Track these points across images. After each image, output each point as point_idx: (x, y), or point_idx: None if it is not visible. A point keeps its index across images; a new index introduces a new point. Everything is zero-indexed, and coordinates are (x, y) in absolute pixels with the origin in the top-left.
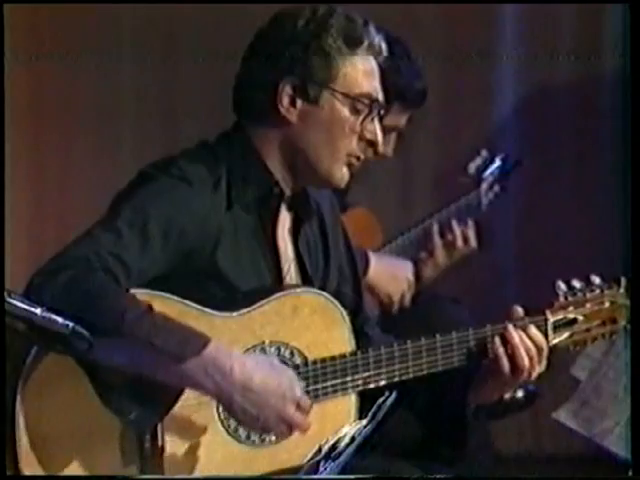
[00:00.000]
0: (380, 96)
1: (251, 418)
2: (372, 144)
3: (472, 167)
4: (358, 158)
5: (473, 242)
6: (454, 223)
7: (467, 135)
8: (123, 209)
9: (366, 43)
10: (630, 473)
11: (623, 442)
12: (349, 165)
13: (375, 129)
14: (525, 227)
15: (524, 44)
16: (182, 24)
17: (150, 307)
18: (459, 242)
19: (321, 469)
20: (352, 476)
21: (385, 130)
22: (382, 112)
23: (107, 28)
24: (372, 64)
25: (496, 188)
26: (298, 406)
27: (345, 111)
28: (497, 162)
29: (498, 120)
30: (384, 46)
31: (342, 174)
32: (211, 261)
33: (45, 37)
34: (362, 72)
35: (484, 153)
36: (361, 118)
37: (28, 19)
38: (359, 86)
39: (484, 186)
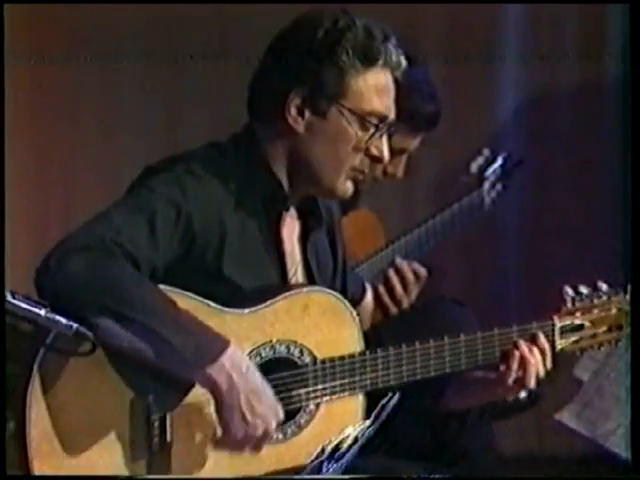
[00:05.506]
0: (391, 113)
1: (241, 422)
2: (377, 160)
3: (474, 166)
4: (363, 172)
5: (413, 297)
6: (380, 288)
7: (469, 134)
8: (129, 199)
9: (382, 60)
10: (631, 473)
11: (626, 443)
12: (354, 179)
13: (382, 146)
14: (527, 226)
15: (526, 44)
16: (185, 24)
17: (175, 303)
18: (393, 310)
19: (324, 469)
20: (354, 476)
21: (395, 152)
22: (392, 129)
23: (108, 27)
24: (387, 80)
25: (498, 187)
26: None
27: (352, 128)
28: (499, 161)
29: (500, 119)
30: (403, 60)
31: (345, 187)
32: (217, 261)
33: (45, 37)
34: (374, 89)
35: (486, 152)
36: (368, 135)
37: (28, 19)
38: (369, 103)
39: (486, 185)
